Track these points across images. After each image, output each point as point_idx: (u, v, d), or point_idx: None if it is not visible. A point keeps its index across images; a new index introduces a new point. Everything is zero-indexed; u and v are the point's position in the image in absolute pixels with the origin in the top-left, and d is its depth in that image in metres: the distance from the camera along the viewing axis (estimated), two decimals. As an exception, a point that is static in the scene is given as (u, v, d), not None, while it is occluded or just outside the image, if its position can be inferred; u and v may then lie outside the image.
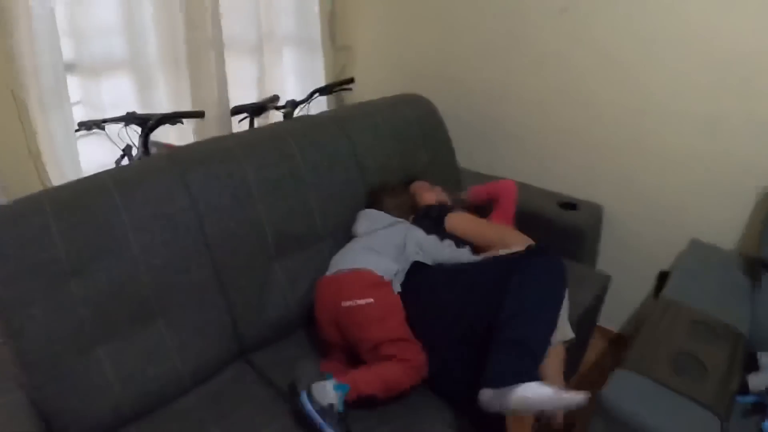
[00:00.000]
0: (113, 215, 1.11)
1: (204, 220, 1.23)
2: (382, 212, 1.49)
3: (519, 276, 1.11)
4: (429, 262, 1.33)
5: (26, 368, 1.00)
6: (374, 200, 1.54)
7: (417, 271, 1.31)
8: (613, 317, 1.94)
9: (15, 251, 1.00)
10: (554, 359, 1.15)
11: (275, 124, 1.62)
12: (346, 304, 1.19)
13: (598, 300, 1.66)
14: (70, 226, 1.06)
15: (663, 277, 1.79)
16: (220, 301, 1.25)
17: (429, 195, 1.62)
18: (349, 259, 1.31)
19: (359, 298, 1.19)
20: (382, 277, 1.25)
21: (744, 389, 1.16)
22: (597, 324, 1.82)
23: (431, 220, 1.45)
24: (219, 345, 1.25)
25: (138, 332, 1.13)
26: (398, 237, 1.36)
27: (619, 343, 1.96)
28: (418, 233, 1.38)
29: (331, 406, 1.02)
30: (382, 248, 1.32)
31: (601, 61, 1.77)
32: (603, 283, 1.67)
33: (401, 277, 1.30)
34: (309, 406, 1.01)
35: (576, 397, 0.94)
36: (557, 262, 1.15)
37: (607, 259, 1.90)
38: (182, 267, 1.18)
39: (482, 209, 1.65)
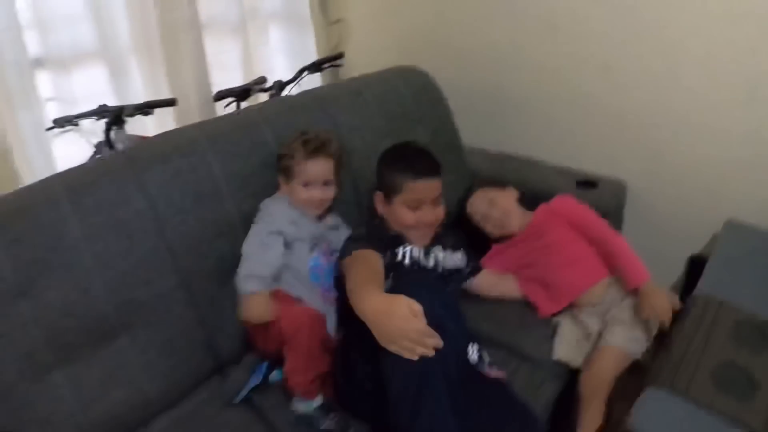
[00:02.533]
0: (62, 225, 1.00)
1: (165, 223, 1.10)
2: None
3: None
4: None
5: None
6: None
7: None
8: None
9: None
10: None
11: (247, 108, 1.46)
12: None
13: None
14: (14, 240, 0.96)
15: (694, 263, 1.59)
16: (190, 314, 1.14)
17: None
18: None
19: None
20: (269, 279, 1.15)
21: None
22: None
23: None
24: (190, 363, 1.14)
25: (98, 353, 1.03)
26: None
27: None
28: None
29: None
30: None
31: (622, 17, 1.53)
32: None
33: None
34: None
35: None
36: None
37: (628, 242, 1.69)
38: (142, 278, 1.07)
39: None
